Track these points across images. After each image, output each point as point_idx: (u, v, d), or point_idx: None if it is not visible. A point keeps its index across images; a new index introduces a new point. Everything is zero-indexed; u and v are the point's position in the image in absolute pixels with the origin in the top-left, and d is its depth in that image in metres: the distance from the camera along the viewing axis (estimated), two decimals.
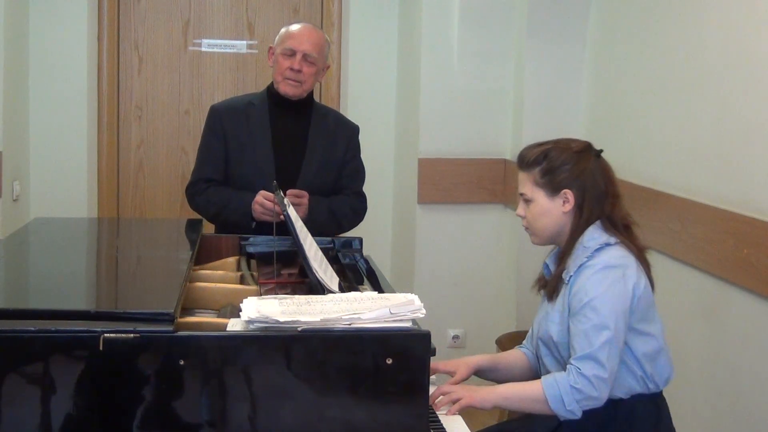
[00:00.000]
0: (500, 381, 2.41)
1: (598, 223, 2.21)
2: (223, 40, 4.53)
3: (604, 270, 2.14)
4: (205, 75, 4.54)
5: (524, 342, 2.46)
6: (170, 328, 1.71)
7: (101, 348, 1.66)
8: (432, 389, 2.18)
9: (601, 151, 2.27)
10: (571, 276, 2.18)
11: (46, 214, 3.95)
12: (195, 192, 3.08)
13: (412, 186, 4.21)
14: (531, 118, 4.00)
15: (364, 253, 2.84)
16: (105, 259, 2.56)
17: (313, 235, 2.88)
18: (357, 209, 3.17)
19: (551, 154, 2.22)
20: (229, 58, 4.55)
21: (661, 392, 2.26)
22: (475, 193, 4.19)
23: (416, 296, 1.88)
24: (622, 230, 2.23)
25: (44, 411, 1.67)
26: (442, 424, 2.06)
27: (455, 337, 4.25)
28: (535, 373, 2.40)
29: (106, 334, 1.66)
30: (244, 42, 4.54)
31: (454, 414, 2.10)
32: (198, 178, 3.09)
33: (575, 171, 2.21)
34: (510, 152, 4.16)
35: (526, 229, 2.29)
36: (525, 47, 3.99)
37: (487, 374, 2.44)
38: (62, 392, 1.67)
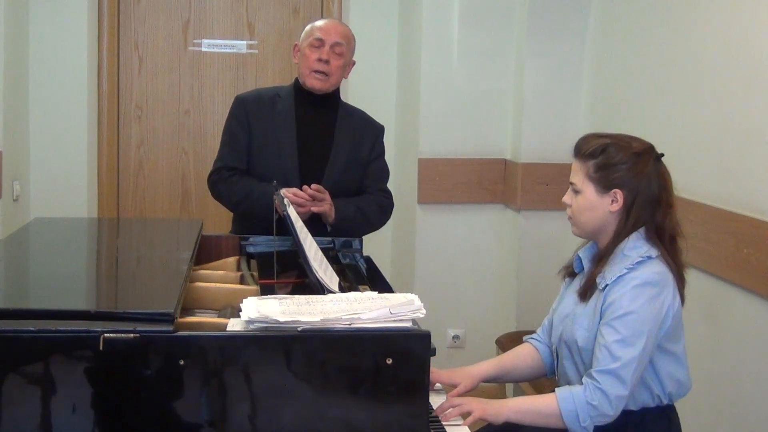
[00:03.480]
0: (511, 382, 2.38)
1: (642, 230, 2.16)
2: (223, 40, 4.53)
3: (643, 286, 2.09)
4: (205, 75, 4.53)
5: (537, 332, 2.41)
6: (170, 328, 1.71)
7: (101, 348, 1.66)
8: (437, 398, 2.18)
9: (662, 155, 2.20)
10: (607, 285, 2.13)
11: (46, 214, 3.95)
12: (218, 180, 3.05)
13: (412, 186, 4.21)
14: (531, 118, 4.00)
15: (365, 253, 2.84)
16: (105, 259, 2.56)
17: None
18: (383, 205, 3.13)
19: (610, 149, 2.15)
20: (229, 58, 4.55)
21: (672, 404, 2.23)
22: (475, 193, 4.19)
23: (416, 296, 1.88)
24: (668, 242, 2.17)
25: (44, 411, 1.67)
26: (442, 424, 2.06)
27: (455, 337, 4.25)
28: (546, 367, 2.37)
29: (106, 334, 1.66)
30: (244, 42, 4.54)
31: (468, 425, 2.07)
32: (221, 166, 3.06)
33: (631, 172, 2.14)
34: (510, 152, 4.16)
35: (569, 218, 2.24)
36: (525, 47, 3.99)
37: (495, 380, 2.41)
38: (62, 392, 1.67)
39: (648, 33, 3.36)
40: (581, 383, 2.11)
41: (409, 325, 1.80)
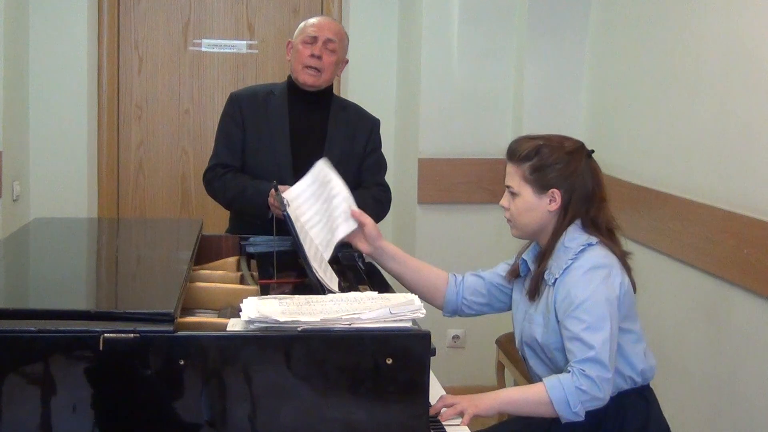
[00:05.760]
0: (397, 278, 2.43)
1: (578, 222, 2.22)
2: (223, 40, 4.53)
3: (590, 271, 2.14)
4: (205, 75, 4.54)
5: (465, 276, 2.44)
6: (170, 328, 1.71)
7: (101, 348, 1.66)
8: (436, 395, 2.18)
9: (593, 151, 2.26)
10: (556, 279, 2.18)
11: (46, 214, 3.95)
12: (213, 177, 3.05)
13: (412, 186, 4.21)
14: (531, 118, 4.00)
15: None
16: (105, 259, 2.56)
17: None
18: (380, 199, 3.11)
19: (543, 151, 2.21)
20: (229, 58, 4.55)
21: (648, 385, 2.26)
22: (475, 193, 4.19)
23: (416, 296, 1.88)
24: (605, 233, 2.23)
25: (44, 411, 1.67)
26: (441, 424, 2.06)
27: (455, 337, 4.25)
28: (445, 302, 2.41)
29: (106, 334, 1.66)
30: (244, 42, 4.54)
31: (465, 425, 2.08)
32: (216, 164, 3.06)
33: (566, 171, 2.19)
34: None
35: (509, 221, 2.29)
36: (525, 46, 3.99)
37: (386, 261, 2.43)
38: (62, 392, 1.67)
39: (648, 33, 3.36)
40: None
41: (409, 325, 1.80)
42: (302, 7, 4.56)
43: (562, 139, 2.26)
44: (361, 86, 4.44)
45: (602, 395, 2.08)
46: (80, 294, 2.10)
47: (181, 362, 1.69)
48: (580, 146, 2.25)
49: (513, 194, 2.25)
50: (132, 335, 1.67)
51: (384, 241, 2.44)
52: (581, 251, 2.17)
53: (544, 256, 2.24)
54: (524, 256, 2.33)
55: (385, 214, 3.16)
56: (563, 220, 2.21)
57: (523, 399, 2.14)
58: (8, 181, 3.93)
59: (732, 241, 2.69)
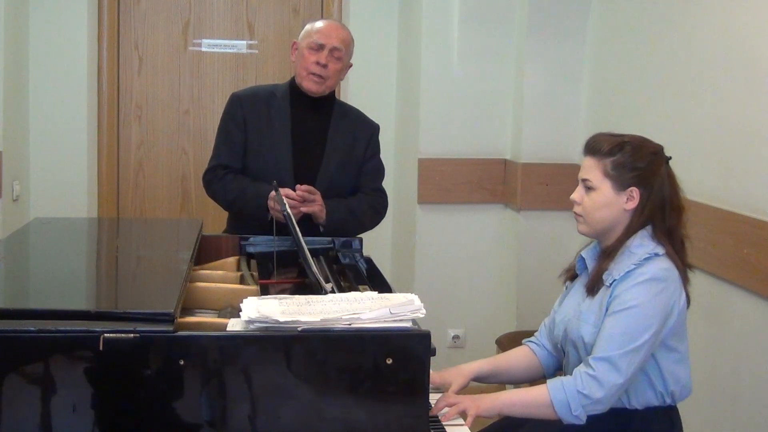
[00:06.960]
0: (504, 383, 2.37)
1: (649, 228, 2.17)
2: (223, 40, 4.53)
3: (650, 281, 2.10)
4: (205, 75, 4.54)
5: (536, 335, 2.41)
6: (170, 328, 1.71)
7: (101, 348, 1.66)
8: (435, 395, 2.18)
9: (670, 158, 2.23)
10: (614, 280, 2.14)
11: (46, 214, 3.95)
12: (213, 178, 3.04)
13: (412, 186, 4.21)
14: (531, 118, 4.00)
15: (365, 253, 2.84)
16: (105, 259, 2.56)
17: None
18: (376, 206, 3.11)
19: (627, 148, 2.17)
20: (229, 58, 4.55)
21: (675, 406, 2.23)
22: (475, 193, 4.19)
23: (416, 296, 1.88)
24: (676, 243, 2.18)
25: (44, 411, 1.67)
26: (442, 424, 2.06)
27: (455, 337, 4.25)
28: (544, 370, 2.37)
29: (106, 334, 1.66)
30: (244, 42, 4.54)
31: (467, 425, 2.08)
32: (216, 164, 3.05)
33: (647, 171, 2.16)
34: (510, 152, 4.16)
35: (578, 216, 2.23)
36: (525, 47, 3.99)
37: (488, 379, 2.40)
38: (62, 392, 1.67)
39: (648, 33, 3.36)
40: None
41: (409, 325, 1.80)
42: (302, 7, 4.56)
43: (644, 140, 2.23)
44: (361, 86, 4.44)
45: (603, 396, 2.06)
46: (80, 294, 2.10)
47: (181, 362, 1.69)
48: (661, 150, 2.22)
49: (589, 188, 2.20)
50: (132, 335, 1.67)
51: (470, 370, 2.33)
52: (646, 259, 2.13)
53: (608, 255, 2.19)
54: (583, 253, 2.29)
55: (381, 220, 3.17)
56: (638, 220, 2.17)
57: (524, 401, 2.13)
58: (8, 181, 3.93)
59: (732, 241, 2.69)
